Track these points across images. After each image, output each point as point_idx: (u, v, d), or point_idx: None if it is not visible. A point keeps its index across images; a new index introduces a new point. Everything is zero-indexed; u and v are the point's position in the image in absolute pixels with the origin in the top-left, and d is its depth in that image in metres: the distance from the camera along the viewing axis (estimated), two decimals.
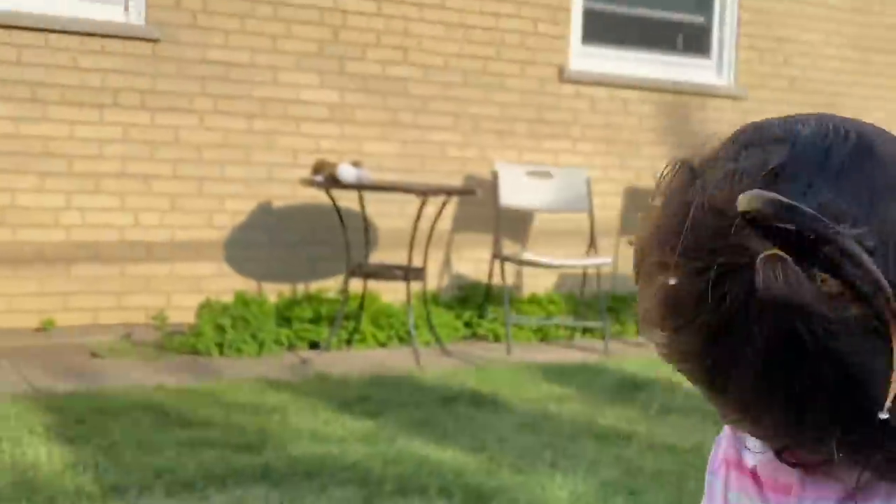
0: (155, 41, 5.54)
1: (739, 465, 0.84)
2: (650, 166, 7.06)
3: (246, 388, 4.58)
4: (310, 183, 5.52)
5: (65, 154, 5.37)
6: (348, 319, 5.76)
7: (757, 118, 0.80)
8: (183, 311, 5.62)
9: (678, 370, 0.77)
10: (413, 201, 5.68)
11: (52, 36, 5.32)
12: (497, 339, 6.18)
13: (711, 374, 0.74)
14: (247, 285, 5.83)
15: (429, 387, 4.79)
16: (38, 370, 4.77)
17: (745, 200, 0.67)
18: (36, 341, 5.28)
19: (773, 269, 0.67)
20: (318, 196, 5.77)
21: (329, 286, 6.01)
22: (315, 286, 6.02)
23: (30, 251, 5.32)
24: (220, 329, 5.42)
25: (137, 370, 4.92)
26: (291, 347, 5.65)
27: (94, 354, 5.18)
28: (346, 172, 5.36)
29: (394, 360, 5.48)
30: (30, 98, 5.29)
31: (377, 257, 6.03)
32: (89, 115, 5.42)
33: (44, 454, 3.48)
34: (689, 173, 0.75)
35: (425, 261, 5.68)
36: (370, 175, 5.59)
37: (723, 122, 7.29)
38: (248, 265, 5.86)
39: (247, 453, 3.60)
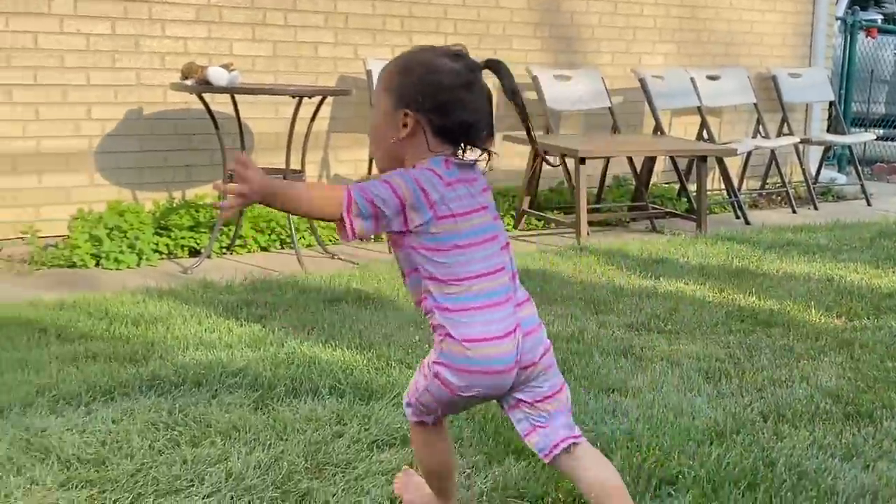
0: None
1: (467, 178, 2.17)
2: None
3: (127, 299, 4.49)
4: (180, 87, 5.37)
5: None
6: (228, 225, 5.69)
7: None
8: (54, 224, 5.47)
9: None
10: (288, 103, 5.58)
11: None
12: (378, 238, 6.18)
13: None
14: (121, 195, 5.69)
15: (313, 289, 4.78)
16: None
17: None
18: None
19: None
20: (190, 101, 5.63)
21: (206, 192, 5.90)
22: (192, 193, 5.90)
23: None
24: (96, 240, 5.28)
25: (9, 286, 4.78)
26: (171, 256, 5.56)
27: None
28: (218, 75, 5.23)
29: (276, 264, 5.44)
30: None
31: (254, 161, 5.92)
32: None
33: None
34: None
35: (303, 163, 5.61)
36: (242, 78, 5.46)
37: None
38: (120, 174, 5.70)
39: (132, 365, 3.54)
